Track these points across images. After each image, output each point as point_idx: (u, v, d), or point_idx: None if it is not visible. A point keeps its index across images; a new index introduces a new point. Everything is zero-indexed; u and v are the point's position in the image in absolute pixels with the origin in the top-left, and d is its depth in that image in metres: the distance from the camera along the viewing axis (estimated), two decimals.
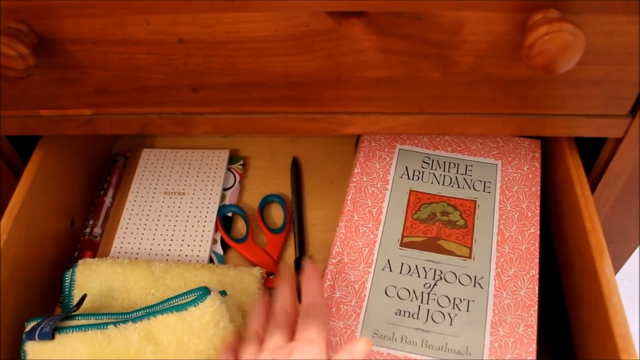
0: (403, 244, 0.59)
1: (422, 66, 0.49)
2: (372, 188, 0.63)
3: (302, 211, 0.73)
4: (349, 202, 0.62)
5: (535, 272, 0.57)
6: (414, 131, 0.54)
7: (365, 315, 0.55)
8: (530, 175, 0.64)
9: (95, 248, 0.70)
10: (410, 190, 0.63)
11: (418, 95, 0.51)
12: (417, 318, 0.55)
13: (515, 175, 0.64)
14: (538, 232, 0.60)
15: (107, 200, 0.74)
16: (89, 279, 0.63)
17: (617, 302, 0.49)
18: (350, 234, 0.60)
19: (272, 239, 0.70)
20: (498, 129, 0.54)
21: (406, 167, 0.65)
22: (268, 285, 0.66)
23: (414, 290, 0.56)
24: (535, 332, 0.54)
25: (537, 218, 0.61)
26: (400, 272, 0.57)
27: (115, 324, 0.56)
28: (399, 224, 0.60)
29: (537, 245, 0.59)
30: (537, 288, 0.56)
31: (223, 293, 0.59)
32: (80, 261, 0.65)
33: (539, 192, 0.63)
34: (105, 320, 0.57)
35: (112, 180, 0.76)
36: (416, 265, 0.58)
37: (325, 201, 0.74)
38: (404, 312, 0.55)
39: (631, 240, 0.71)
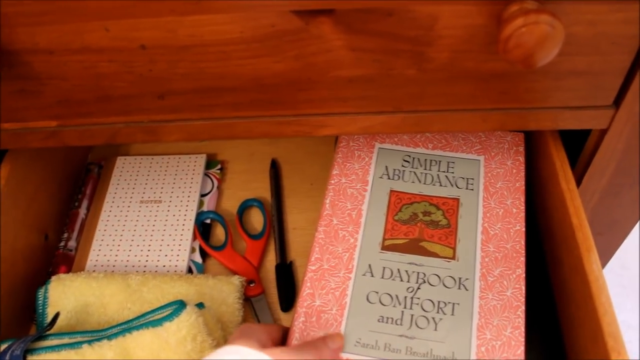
0: (384, 247, 0.57)
1: (396, 64, 0.47)
2: (351, 190, 0.61)
3: (282, 215, 0.71)
4: (327, 205, 0.60)
5: (521, 271, 0.55)
6: (391, 130, 0.52)
7: (347, 324, 0.53)
8: (515, 170, 0.62)
9: (70, 262, 0.68)
10: (391, 191, 0.61)
11: (394, 94, 0.49)
12: (401, 324, 0.53)
13: (499, 170, 0.62)
14: (524, 229, 0.58)
15: (82, 212, 0.72)
16: (63, 296, 0.61)
17: (605, 301, 0.48)
18: (329, 239, 0.57)
19: (252, 245, 0.68)
20: (478, 125, 0.52)
21: (386, 166, 0.63)
22: (248, 294, 0.64)
23: (396, 295, 0.54)
24: (523, 334, 0.52)
25: (523, 214, 0.59)
26: (382, 277, 0.55)
27: (89, 342, 0.54)
28: (380, 227, 0.58)
29: (523, 243, 0.57)
30: (523, 288, 0.54)
31: (200, 305, 0.58)
32: (53, 277, 0.63)
33: (524, 187, 0.61)
34: (79, 339, 0.55)
35: (86, 191, 0.74)
36: (398, 269, 0.56)
37: (305, 203, 0.72)
38: (387, 318, 0.53)
39: (620, 231, 0.70)
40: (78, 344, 0.54)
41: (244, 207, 0.72)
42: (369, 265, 0.56)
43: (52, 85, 0.50)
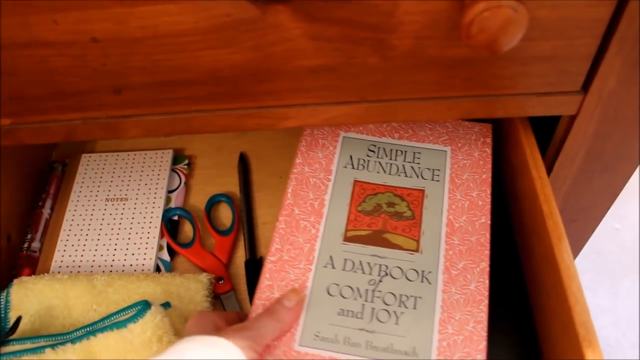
0: (347, 239, 0.56)
1: (357, 52, 0.45)
2: (314, 179, 0.59)
3: (251, 210, 0.70)
4: (289, 194, 0.58)
5: (485, 264, 0.54)
6: (355, 121, 0.51)
7: (307, 316, 0.51)
8: (481, 162, 0.61)
9: (34, 264, 0.66)
10: (355, 181, 0.59)
11: (357, 83, 0.48)
12: (361, 318, 0.51)
13: (466, 162, 0.61)
14: (489, 221, 0.57)
15: (45, 211, 0.70)
16: (26, 299, 0.59)
17: (577, 290, 0.47)
18: (290, 230, 0.56)
19: (221, 241, 0.66)
20: (444, 113, 0.51)
21: (351, 155, 0.61)
22: (217, 292, 0.63)
23: (357, 288, 0.53)
24: (486, 329, 0.51)
25: (489, 207, 0.58)
26: (344, 269, 0.54)
27: (52, 346, 0.53)
28: (343, 217, 0.57)
29: (488, 236, 0.56)
30: (487, 282, 0.53)
31: (167, 305, 0.56)
32: (15, 280, 0.61)
33: (490, 179, 0.60)
34: (42, 344, 0.54)
35: (50, 190, 0.72)
36: (360, 261, 0.54)
37: (275, 198, 0.71)
38: (347, 311, 0.52)
39: (593, 217, 0.69)
40: (41, 349, 0.53)
41: (212, 203, 0.71)
42: (330, 257, 0.54)
43: (2, 82, 0.48)
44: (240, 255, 0.67)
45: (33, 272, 0.65)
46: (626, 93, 0.50)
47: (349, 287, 0.53)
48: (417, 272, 0.54)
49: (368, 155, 0.61)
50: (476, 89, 0.49)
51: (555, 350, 0.50)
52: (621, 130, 0.54)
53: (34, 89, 0.49)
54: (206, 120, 0.51)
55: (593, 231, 0.72)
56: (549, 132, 0.58)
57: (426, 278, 0.53)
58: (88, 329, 0.54)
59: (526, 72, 0.48)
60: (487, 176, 0.60)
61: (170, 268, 0.66)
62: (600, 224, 0.72)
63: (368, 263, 0.54)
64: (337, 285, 0.53)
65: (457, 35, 0.44)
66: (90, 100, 0.50)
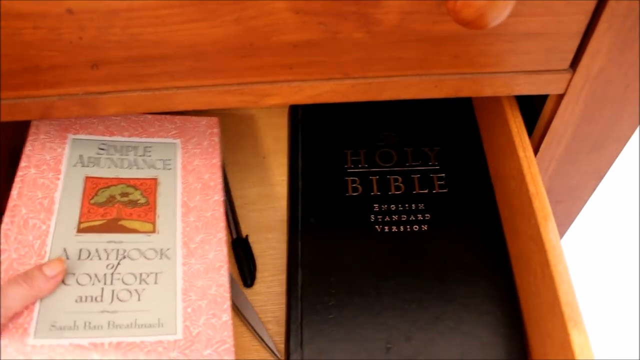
0: (80, 230, 0.56)
1: (342, 27, 0.44)
2: (43, 179, 0.59)
3: (230, 190, 0.69)
4: (14, 196, 0.57)
5: (222, 235, 0.59)
6: (340, 98, 0.50)
7: (40, 310, 0.50)
8: (210, 149, 0.65)
9: None
10: (87, 177, 0.60)
11: (342, 59, 0.47)
12: (101, 301, 0.52)
13: (196, 150, 0.65)
14: (222, 199, 0.61)
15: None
16: None
17: (563, 270, 0.46)
18: (18, 229, 0.54)
19: None
20: (431, 90, 0.50)
21: (80, 155, 0.62)
22: None
23: (95, 274, 0.54)
24: (228, 290, 0.55)
25: (220, 186, 0.62)
26: (79, 259, 0.54)
27: None
28: (75, 211, 0.57)
29: (222, 210, 0.60)
30: (225, 249, 0.58)
31: None
32: None
33: (220, 162, 0.64)
34: None
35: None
36: (96, 249, 0.55)
37: (257, 178, 0.70)
38: (86, 297, 0.52)
39: (579, 198, 0.69)
40: None
41: None
42: (64, 249, 0.55)
43: None
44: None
45: None
46: (615, 72, 0.49)
47: (87, 274, 0.53)
48: (155, 250, 0.56)
49: (99, 154, 0.62)
50: (463, 66, 0.48)
51: (541, 330, 0.50)
52: (609, 110, 0.54)
53: (7, 64, 0.47)
54: (186, 96, 0.50)
55: (579, 212, 0.72)
56: (535, 111, 0.57)
57: (165, 255, 0.56)
58: None
59: (514, 49, 0.47)
60: (217, 160, 0.64)
61: None
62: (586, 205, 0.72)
63: (105, 250, 0.55)
64: (73, 274, 0.53)
65: (442, 10, 0.43)
66: (67, 75, 0.48)
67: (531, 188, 0.51)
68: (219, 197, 0.61)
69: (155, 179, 0.61)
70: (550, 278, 0.47)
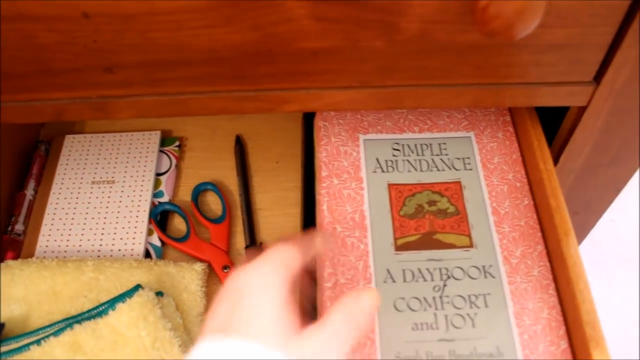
0: (398, 248, 0.51)
1: (363, 35, 0.43)
2: (347, 191, 0.54)
3: (249, 195, 0.67)
4: (325, 212, 0.53)
5: (542, 246, 0.51)
6: (358, 107, 0.49)
7: (381, 339, 0.47)
8: (507, 142, 0.58)
9: (18, 247, 0.64)
10: (389, 184, 0.55)
11: (361, 68, 0.46)
12: (437, 328, 0.48)
13: (492, 144, 0.58)
14: (532, 202, 0.54)
15: (29, 193, 0.67)
16: (12, 284, 0.57)
17: (584, 288, 0.45)
18: (338, 250, 0.51)
19: (216, 230, 0.64)
20: (451, 100, 0.49)
21: (376, 158, 0.56)
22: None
23: (424, 298, 0.49)
24: (561, 313, 0.48)
25: (527, 187, 0.55)
26: (405, 280, 0.50)
27: (37, 342, 0.51)
28: (388, 226, 0.52)
29: (536, 217, 0.53)
30: (548, 264, 0.51)
31: (159, 294, 0.54)
32: (2, 264, 0.58)
33: (521, 158, 0.57)
34: (25, 342, 0.52)
35: (32, 171, 0.69)
36: (419, 269, 0.50)
37: (271, 183, 0.69)
38: (421, 324, 0.48)
39: (595, 210, 0.68)
40: (26, 347, 0.51)
41: (198, 192, 0.68)
42: (387, 270, 0.50)
43: None
44: (239, 242, 0.64)
45: (17, 256, 0.63)
46: (638, 85, 0.48)
47: (416, 298, 0.49)
48: (478, 268, 0.51)
49: (394, 155, 0.57)
50: (485, 76, 0.47)
51: None
52: (630, 123, 0.52)
53: (20, 66, 0.46)
54: (202, 102, 0.49)
55: (595, 224, 0.71)
56: (554, 123, 0.56)
57: (489, 272, 0.50)
58: (71, 320, 0.52)
59: (538, 60, 0.46)
60: (517, 156, 0.57)
61: (161, 253, 0.63)
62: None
63: (427, 269, 0.50)
64: (403, 299, 0.49)
65: (467, 20, 0.42)
66: (81, 78, 0.47)
67: (552, 202, 0.50)
68: (529, 200, 0.54)
69: (458, 182, 0.55)
70: (571, 295, 0.46)
